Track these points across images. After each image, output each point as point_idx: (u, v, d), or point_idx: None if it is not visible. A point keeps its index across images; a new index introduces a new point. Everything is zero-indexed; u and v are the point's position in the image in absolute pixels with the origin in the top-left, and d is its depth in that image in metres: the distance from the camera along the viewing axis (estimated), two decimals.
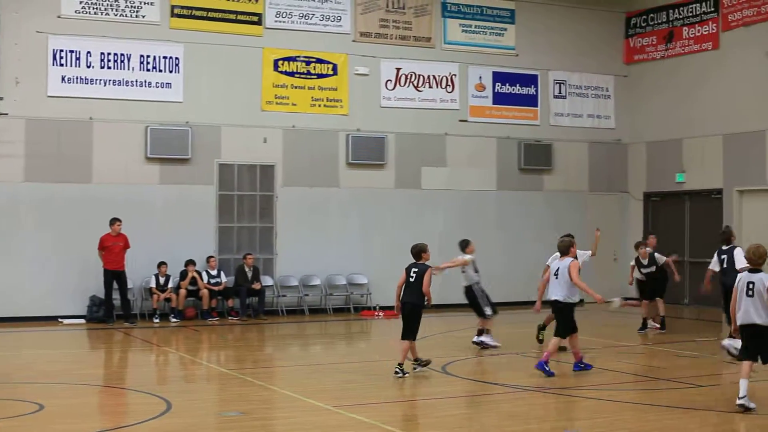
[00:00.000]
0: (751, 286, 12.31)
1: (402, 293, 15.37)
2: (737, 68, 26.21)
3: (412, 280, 15.27)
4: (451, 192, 26.81)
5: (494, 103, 27.74)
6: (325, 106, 25.55)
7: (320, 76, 25.50)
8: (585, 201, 28.80)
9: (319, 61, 25.52)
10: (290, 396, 13.43)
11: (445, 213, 26.62)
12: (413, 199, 26.32)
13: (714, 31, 26.96)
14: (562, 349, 16.10)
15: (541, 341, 18.41)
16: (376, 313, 24.58)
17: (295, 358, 18.46)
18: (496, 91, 27.74)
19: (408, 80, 26.53)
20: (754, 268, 12.51)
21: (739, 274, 12.85)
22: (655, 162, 28.82)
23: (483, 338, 18.34)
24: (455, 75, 27.12)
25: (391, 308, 24.60)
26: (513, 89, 28.01)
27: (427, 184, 26.60)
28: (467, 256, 18.62)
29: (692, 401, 13.17)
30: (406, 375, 14.91)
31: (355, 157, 25.57)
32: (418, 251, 15.56)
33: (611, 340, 19.94)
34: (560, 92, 28.69)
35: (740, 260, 16.92)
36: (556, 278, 15.49)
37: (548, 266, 16.88)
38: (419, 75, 26.67)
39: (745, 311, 12.36)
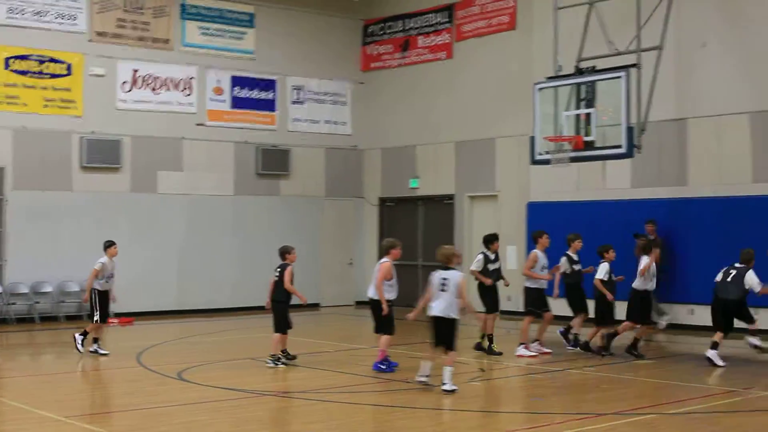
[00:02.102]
0: (444, 281, 13.73)
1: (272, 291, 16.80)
2: (470, 78, 27.11)
3: (277, 278, 16.66)
4: (188, 196, 26.52)
5: (232, 107, 27.64)
6: (58, 107, 24.78)
7: (54, 75, 24.72)
8: (321, 206, 29.09)
9: (53, 60, 24.74)
10: (19, 408, 12.94)
11: (182, 217, 26.32)
12: (149, 204, 25.86)
13: (448, 41, 27.80)
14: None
15: (497, 352, 18.07)
16: (111, 321, 24.00)
17: (25, 368, 17.81)
18: (234, 95, 27.65)
19: (145, 82, 26.07)
20: (446, 266, 13.94)
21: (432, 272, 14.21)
22: (389, 168, 29.44)
23: (93, 346, 18.10)
24: (193, 78, 26.87)
25: (126, 315, 24.21)
26: (251, 93, 28.00)
27: (164, 188, 26.20)
28: (103, 259, 18.26)
29: (427, 401, 13.50)
30: (278, 365, 16.28)
31: (90, 160, 24.88)
32: (282, 252, 16.90)
33: (346, 343, 20.22)
34: (298, 98, 28.88)
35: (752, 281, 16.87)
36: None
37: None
38: (156, 77, 26.26)
39: (438, 304, 13.78)
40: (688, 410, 12.78)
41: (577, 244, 18.88)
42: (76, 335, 18.18)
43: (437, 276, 13.90)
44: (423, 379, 13.97)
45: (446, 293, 13.72)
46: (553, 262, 18.57)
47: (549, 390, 14.97)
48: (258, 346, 19.25)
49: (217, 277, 26.66)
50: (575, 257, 18.80)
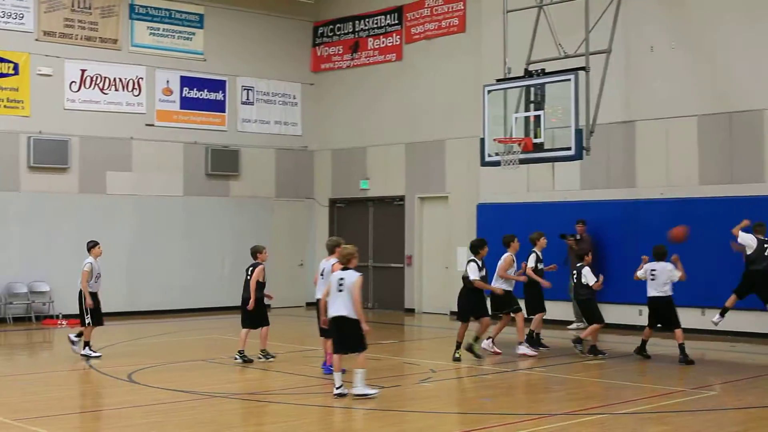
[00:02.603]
0: (341, 282, 13.50)
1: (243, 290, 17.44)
2: (420, 80, 27.20)
3: (248, 277, 17.29)
4: (138, 197, 26.37)
5: (182, 107, 27.52)
6: (5, 106, 24.53)
7: (0, 75, 24.46)
8: (272, 207, 29.03)
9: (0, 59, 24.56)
10: None
11: (132, 218, 26.15)
12: (98, 205, 25.67)
13: (398, 43, 27.86)
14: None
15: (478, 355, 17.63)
16: (60, 322, 23.85)
17: None
18: (183, 95, 27.54)
19: (93, 82, 25.89)
20: (345, 266, 13.73)
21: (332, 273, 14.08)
22: (340, 169, 29.45)
23: (84, 350, 17.62)
24: (142, 78, 26.72)
25: (74, 316, 24.03)
26: (201, 94, 27.90)
27: (113, 189, 26.02)
28: (89, 260, 17.85)
29: (378, 403, 13.50)
30: (269, 359, 17.08)
31: (37, 161, 24.67)
32: (253, 252, 17.51)
33: (296, 345, 20.21)
34: (248, 98, 28.82)
35: None
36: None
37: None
38: (105, 77, 26.08)
39: (336, 305, 13.56)
40: (637, 410, 12.91)
41: (543, 241, 19.14)
42: (71, 335, 17.84)
43: (335, 276, 13.73)
44: (338, 391, 13.47)
45: (343, 293, 13.48)
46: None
47: (500, 391, 15.05)
48: (208, 347, 19.21)
49: (167, 278, 26.52)
50: (541, 255, 18.99)
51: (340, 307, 13.51)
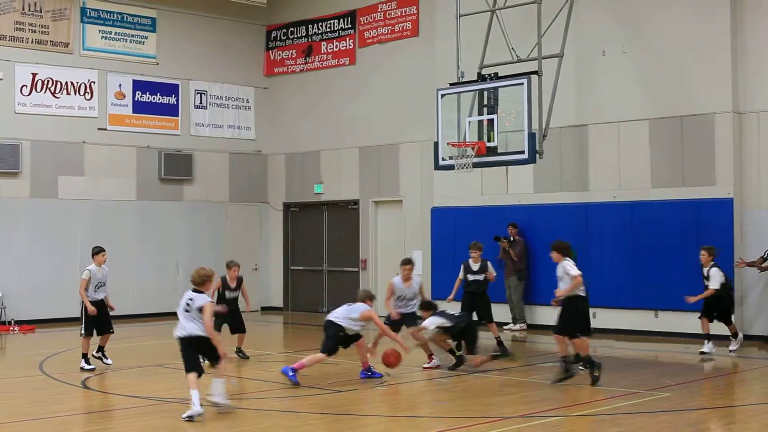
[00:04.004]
0: (189, 303, 13.00)
1: None
2: (373, 84, 27.21)
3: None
4: (90, 202, 26.15)
5: (134, 111, 27.33)
6: None
7: None
8: (225, 211, 28.91)
9: None
10: None
11: (84, 223, 25.92)
12: (49, 209, 25.44)
13: (351, 47, 27.86)
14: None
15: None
16: (12, 328, 23.62)
17: None
18: (136, 99, 27.36)
19: (45, 86, 25.66)
20: (196, 288, 13.14)
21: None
22: (294, 173, 29.38)
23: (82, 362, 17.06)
24: (94, 82, 26.51)
25: (27, 322, 23.85)
26: (154, 98, 27.73)
27: (65, 194, 25.80)
28: (90, 267, 17.33)
29: (333, 406, 13.52)
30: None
31: None
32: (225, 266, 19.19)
33: (252, 349, 20.12)
34: (201, 102, 28.68)
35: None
36: None
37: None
38: (57, 81, 25.85)
39: (185, 326, 13.00)
40: (592, 412, 13.00)
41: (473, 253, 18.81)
42: (95, 354, 17.23)
43: (185, 296, 13.19)
44: (216, 399, 13.11)
45: (189, 314, 12.99)
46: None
47: (455, 394, 15.08)
48: (162, 352, 19.07)
49: (121, 283, 26.20)
50: (474, 267, 18.74)
51: (190, 327, 12.95)
